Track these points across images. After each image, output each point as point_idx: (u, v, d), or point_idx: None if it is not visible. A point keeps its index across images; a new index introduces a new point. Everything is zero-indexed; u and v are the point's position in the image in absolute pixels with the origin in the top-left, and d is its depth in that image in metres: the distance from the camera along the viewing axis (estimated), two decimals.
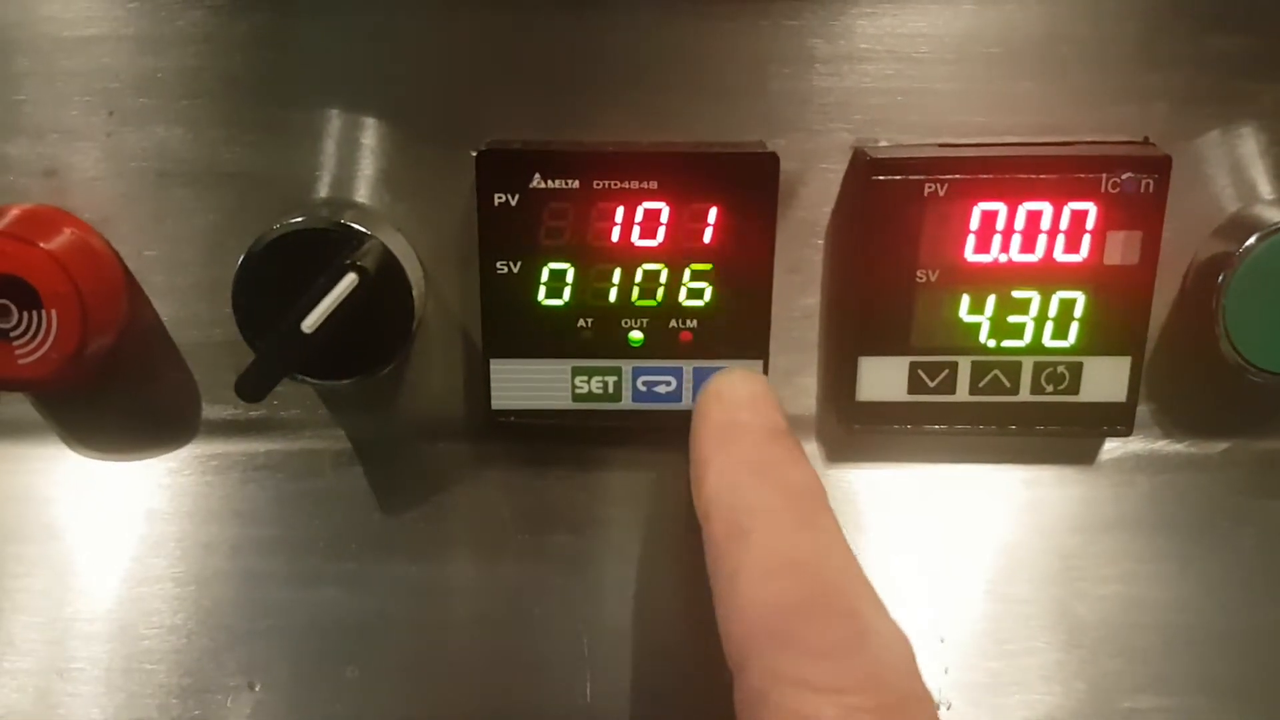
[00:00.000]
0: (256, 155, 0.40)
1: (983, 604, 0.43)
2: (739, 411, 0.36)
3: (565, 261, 0.39)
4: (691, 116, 0.39)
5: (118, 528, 0.43)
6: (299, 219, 0.38)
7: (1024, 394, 0.40)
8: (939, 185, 0.38)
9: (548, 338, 0.40)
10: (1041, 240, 0.38)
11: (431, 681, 0.42)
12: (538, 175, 0.38)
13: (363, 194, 0.40)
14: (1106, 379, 0.40)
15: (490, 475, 0.43)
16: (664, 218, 0.38)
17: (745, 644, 0.29)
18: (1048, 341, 0.39)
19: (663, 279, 0.39)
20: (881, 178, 0.38)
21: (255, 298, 0.38)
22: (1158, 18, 0.39)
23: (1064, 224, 0.38)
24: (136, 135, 0.40)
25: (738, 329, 0.39)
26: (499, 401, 0.40)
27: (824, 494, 0.33)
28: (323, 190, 0.40)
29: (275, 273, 0.37)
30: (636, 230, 0.38)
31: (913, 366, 0.40)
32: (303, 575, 0.43)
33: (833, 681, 0.27)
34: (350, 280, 0.36)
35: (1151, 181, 0.38)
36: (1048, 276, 0.39)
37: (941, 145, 0.39)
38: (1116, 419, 0.41)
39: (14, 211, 0.39)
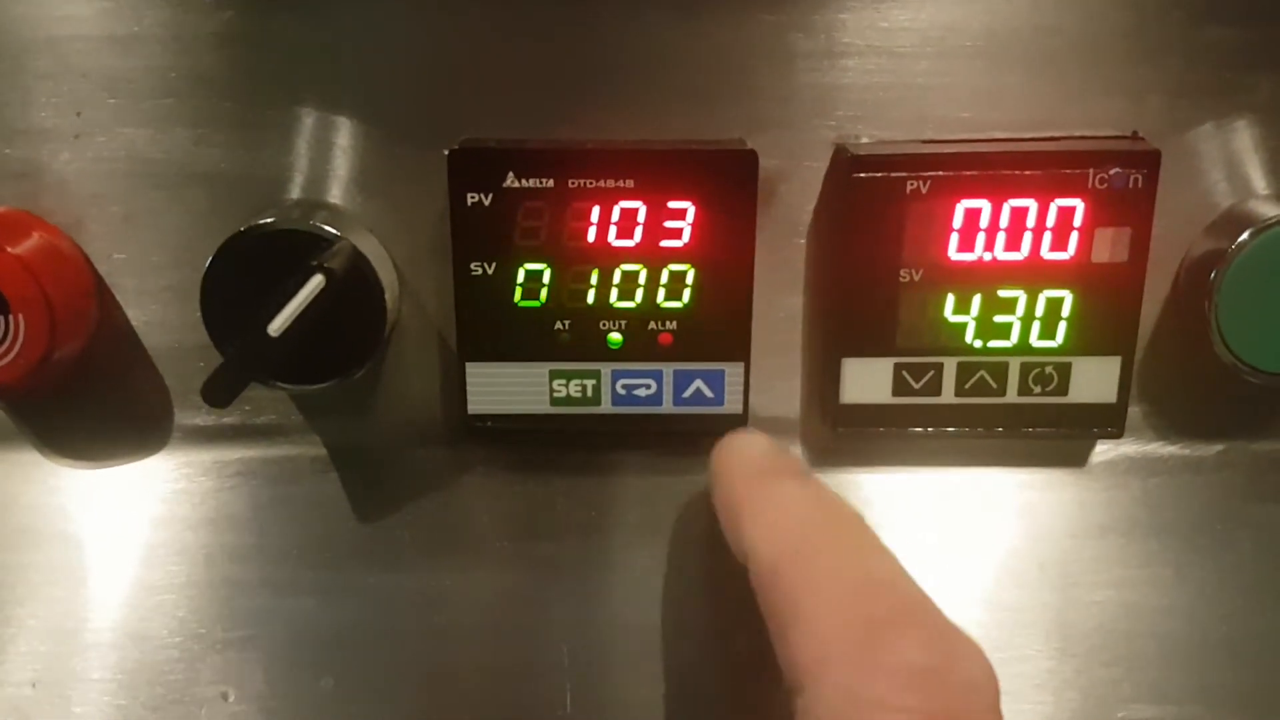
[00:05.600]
0: (228, 156, 0.39)
1: (972, 610, 0.42)
2: (765, 459, 0.35)
3: (541, 262, 0.38)
4: (670, 114, 0.39)
5: (89, 536, 0.42)
6: (267, 220, 0.37)
7: (1011, 395, 0.39)
8: (922, 182, 0.37)
9: (524, 340, 0.39)
10: (1027, 238, 0.37)
11: (409, 691, 0.42)
12: (511, 174, 0.37)
13: (335, 194, 0.40)
14: (1096, 380, 0.39)
15: (468, 481, 0.42)
16: (641, 217, 0.37)
17: (820, 662, 0.27)
18: (1035, 342, 0.39)
19: (641, 280, 0.38)
20: (863, 175, 0.37)
21: (223, 300, 0.37)
22: (1148, 8, 0.38)
23: (1050, 221, 0.37)
24: (105, 136, 0.39)
25: (718, 331, 0.39)
26: (475, 406, 0.40)
27: None
28: (295, 191, 0.40)
29: (243, 275, 0.36)
30: (613, 230, 0.38)
31: (897, 368, 0.39)
32: (279, 584, 0.42)
33: (920, 704, 0.26)
34: (317, 282, 0.35)
35: (1140, 176, 0.37)
36: (1034, 275, 0.38)
37: (925, 141, 0.38)
38: (1107, 420, 0.40)
39: None
